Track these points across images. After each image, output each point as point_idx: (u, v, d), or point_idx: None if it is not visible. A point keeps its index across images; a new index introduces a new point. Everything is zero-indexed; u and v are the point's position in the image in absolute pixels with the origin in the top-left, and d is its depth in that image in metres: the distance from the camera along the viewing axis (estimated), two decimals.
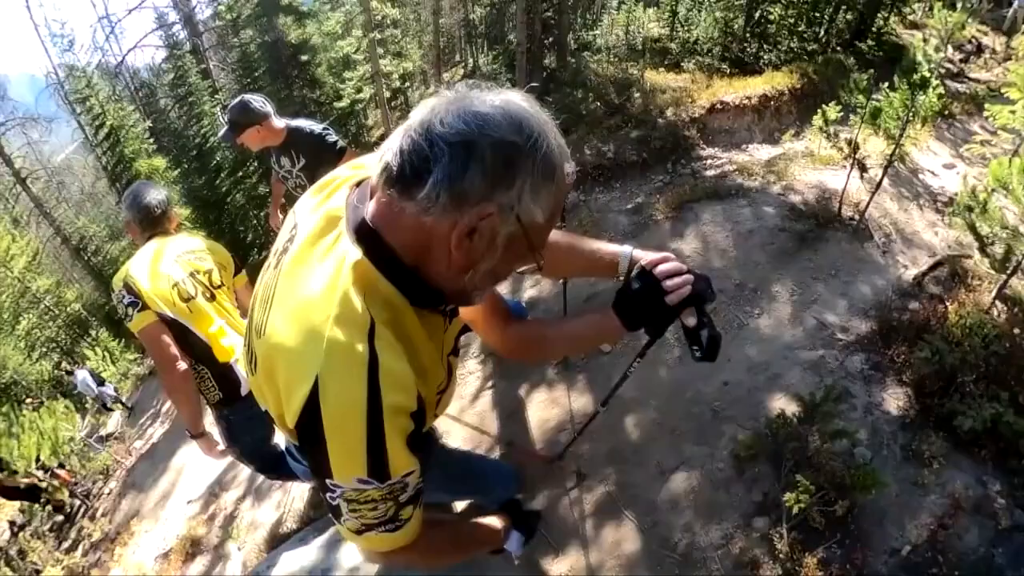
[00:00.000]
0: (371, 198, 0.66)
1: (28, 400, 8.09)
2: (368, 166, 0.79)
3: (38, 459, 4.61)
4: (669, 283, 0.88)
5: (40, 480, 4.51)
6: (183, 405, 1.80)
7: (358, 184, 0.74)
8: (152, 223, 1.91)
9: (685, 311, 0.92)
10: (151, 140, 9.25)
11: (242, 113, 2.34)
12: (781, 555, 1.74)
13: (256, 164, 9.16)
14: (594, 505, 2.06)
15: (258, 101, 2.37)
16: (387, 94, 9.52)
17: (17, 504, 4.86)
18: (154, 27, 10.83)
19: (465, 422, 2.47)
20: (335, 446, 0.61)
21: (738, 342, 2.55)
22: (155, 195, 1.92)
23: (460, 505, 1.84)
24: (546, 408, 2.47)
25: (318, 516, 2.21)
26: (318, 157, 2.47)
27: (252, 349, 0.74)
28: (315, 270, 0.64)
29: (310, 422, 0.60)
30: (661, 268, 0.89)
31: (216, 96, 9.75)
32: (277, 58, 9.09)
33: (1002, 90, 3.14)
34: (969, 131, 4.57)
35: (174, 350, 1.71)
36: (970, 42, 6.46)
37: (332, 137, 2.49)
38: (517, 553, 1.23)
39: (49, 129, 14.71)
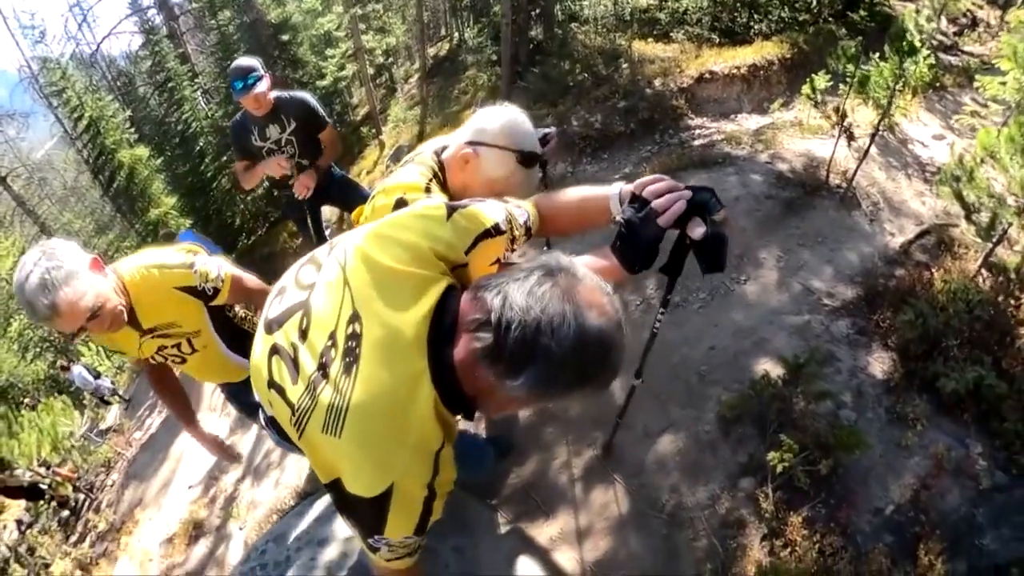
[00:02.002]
0: (458, 338, 0.71)
1: (26, 400, 8.09)
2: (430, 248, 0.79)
3: (39, 456, 4.64)
4: (658, 202, 0.81)
5: (43, 477, 4.56)
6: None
7: (442, 295, 0.74)
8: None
9: (691, 224, 0.82)
10: (132, 129, 9.03)
11: (252, 62, 2.48)
12: (766, 514, 1.78)
13: None
14: (583, 469, 2.09)
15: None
16: (371, 71, 9.29)
17: (23, 503, 4.92)
18: (128, 12, 10.47)
19: None
20: (395, 522, 0.74)
21: (724, 307, 2.56)
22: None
23: None
24: None
25: (314, 490, 2.24)
26: (308, 121, 2.64)
27: (308, 427, 0.76)
28: (392, 392, 0.72)
29: (377, 507, 0.73)
30: (650, 188, 0.83)
31: (196, 80, 9.49)
32: (257, 38, 8.83)
33: (994, 62, 3.08)
34: (960, 103, 4.50)
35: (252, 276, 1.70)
36: (965, 15, 6.31)
37: (315, 102, 2.69)
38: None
39: (26, 125, 14.29)
